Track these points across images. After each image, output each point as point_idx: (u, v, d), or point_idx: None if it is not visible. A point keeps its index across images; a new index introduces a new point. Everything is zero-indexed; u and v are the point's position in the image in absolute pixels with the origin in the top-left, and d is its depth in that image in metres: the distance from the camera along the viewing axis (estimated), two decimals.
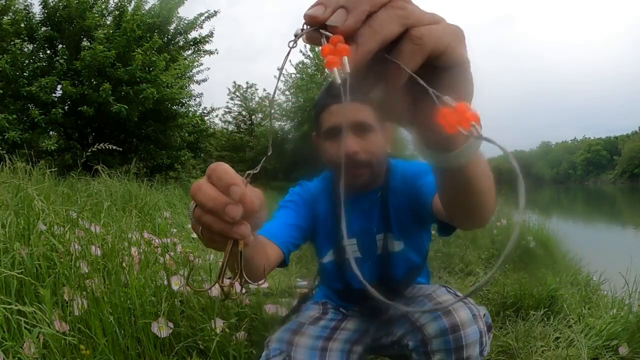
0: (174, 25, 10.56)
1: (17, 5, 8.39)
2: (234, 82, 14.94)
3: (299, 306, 1.30)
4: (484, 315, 0.94)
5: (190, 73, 10.83)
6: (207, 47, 11.24)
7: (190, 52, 11.20)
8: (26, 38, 8.46)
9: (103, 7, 9.25)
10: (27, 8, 8.66)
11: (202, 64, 11.45)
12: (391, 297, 0.87)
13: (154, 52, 8.66)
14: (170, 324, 1.25)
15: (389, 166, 1.11)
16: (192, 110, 11.11)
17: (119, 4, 9.42)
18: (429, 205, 0.89)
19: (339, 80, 0.32)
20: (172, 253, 1.70)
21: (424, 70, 0.34)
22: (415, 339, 0.96)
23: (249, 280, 0.45)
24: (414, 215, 1.04)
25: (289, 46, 0.37)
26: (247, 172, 0.41)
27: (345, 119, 0.93)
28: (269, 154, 0.42)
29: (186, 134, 10.53)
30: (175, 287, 1.37)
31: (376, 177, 1.06)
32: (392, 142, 1.08)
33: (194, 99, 11.37)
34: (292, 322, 1.11)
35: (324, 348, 1.02)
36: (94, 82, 7.99)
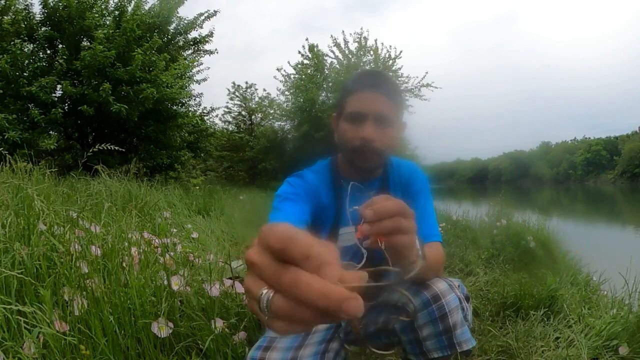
0: (174, 25, 10.56)
1: (17, 5, 8.38)
2: (233, 83, 14.90)
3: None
4: (459, 285, 1.02)
5: (190, 73, 10.82)
6: (207, 46, 11.26)
7: (190, 52, 11.19)
8: (26, 38, 8.46)
9: (103, 7, 9.24)
10: (27, 8, 8.65)
11: (202, 64, 11.47)
12: (382, 281, 0.90)
13: (154, 52, 8.66)
14: (170, 324, 1.25)
15: (388, 159, 1.20)
16: (192, 110, 11.11)
17: (119, 4, 9.41)
18: None
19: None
20: (172, 253, 1.70)
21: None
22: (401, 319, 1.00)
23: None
24: None
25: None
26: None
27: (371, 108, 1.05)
28: None
29: (186, 134, 10.52)
30: (175, 287, 1.37)
31: (380, 166, 1.14)
32: (401, 140, 1.18)
33: (194, 99, 11.38)
34: (263, 338, 1.09)
35: (294, 358, 1.00)
36: (94, 82, 7.98)
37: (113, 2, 9.47)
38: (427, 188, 1.20)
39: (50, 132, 8.31)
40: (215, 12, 10.89)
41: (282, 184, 1.14)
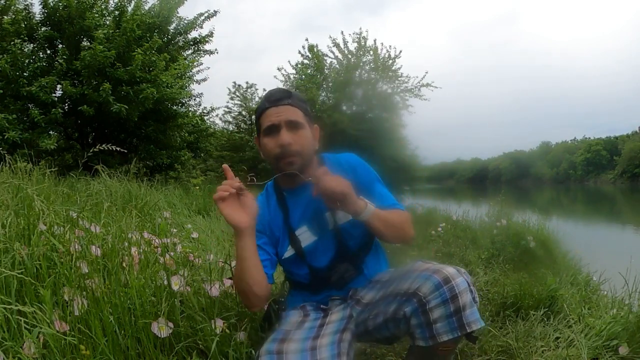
0: (174, 25, 10.54)
1: (17, 5, 8.38)
2: (234, 82, 14.87)
3: (276, 313, 1.36)
4: (464, 272, 1.08)
5: (190, 73, 10.82)
6: (207, 46, 11.25)
7: (190, 52, 11.19)
8: (26, 38, 8.45)
9: (103, 7, 9.24)
10: (27, 8, 8.65)
11: (202, 64, 11.46)
12: (353, 267, 1.23)
13: (154, 52, 8.65)
14: (170, 324, 1.25)
15: (322, 158, 1.34)
16: (192, 110, 11.11)
17: (119, 4, 9.40)
18: None
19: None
20: (172, 253, 1.70)
21: None
22: (412, 304, 1.05)
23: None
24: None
25: None
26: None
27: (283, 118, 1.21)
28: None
29: (186, 134, 10.52)
30: (175, 287, 1.37)
31: (306, 164, 1.25)
32: (319, 140, 1.32)
33: (194, 99, 11.38)
34: (277, 331, 1.14)
35: (313, 347, 1.04)
36: (94, 82, 7.97)
37: (113, 2, 9.47)
38: (373, 174, 1.33)
39: (50, 132, 8.30)
40: (215, 12, 10.88)
41: None
